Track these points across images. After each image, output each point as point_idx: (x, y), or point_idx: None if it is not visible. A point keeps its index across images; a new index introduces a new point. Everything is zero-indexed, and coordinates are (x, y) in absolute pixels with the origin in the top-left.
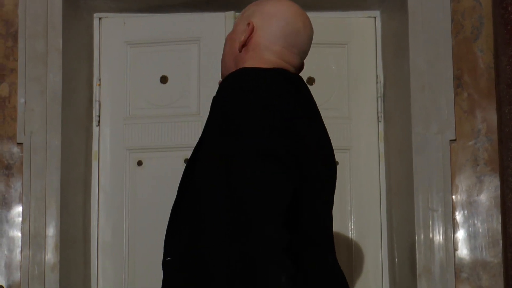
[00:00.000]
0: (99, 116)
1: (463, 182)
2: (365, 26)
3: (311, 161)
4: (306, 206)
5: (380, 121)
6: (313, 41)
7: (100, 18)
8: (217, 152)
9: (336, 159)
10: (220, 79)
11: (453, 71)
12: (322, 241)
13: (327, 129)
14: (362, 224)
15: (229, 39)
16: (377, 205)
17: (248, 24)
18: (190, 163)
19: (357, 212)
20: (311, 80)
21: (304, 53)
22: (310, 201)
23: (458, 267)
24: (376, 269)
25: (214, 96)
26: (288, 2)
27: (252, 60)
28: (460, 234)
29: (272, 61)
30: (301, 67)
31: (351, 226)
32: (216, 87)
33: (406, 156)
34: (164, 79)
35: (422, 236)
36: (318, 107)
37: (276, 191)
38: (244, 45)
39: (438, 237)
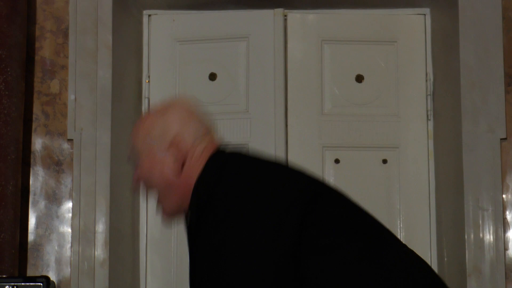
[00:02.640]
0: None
1: None
2: (415, 23)
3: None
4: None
5: (429, 119)
6: (362, 39)
7: (149, 15)
8: None
9: (385, 157)
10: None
11: (503, 68)
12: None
13: (376, 126)
14: (410, 223)
15: (147, 165)
16: (426, 203)
17: (171, 143)
18: None
19: (406, 210)
20: (360, 78)
21: None
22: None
23: (508, 267)
24: None
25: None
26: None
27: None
28: (511, 234)
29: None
30: None
31: (400, 225)
32: (265, 84)
33: (455, 155)
34: (213, 76)
35: (472, 236)
36: (367, 105)
37: None
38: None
39: (488, 237)
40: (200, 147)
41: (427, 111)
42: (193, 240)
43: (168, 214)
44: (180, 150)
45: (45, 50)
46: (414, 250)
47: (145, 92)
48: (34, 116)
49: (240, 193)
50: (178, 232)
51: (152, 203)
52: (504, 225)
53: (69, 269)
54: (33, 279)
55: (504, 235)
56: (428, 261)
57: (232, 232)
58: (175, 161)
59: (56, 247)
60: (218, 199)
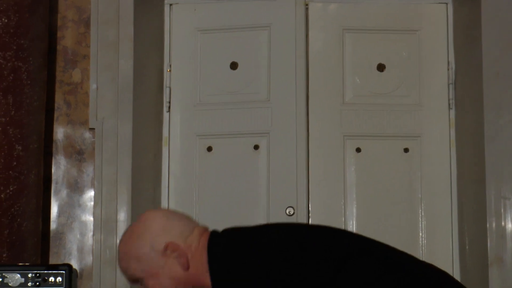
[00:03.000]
0: (169, 102)
1: None
2: (437, 12)
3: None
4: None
5: (451, 108)
6: (384, 28)
7: (171, 5)
8: None
9: (406, 146)
10: None
11: None
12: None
13: (397, 115)
14: (432, 212)
15: (153, 275)
16: (448, 192)
17: (166, 248)
18: None
19: (428, 199)
20: (381, 67)
21: None
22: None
23: None
24: (447, 257)
25: None
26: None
27: (204, 259)
28: None
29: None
30: None
31: (422, 213)
32: (286, 73)
33: (478, 144)
34: (234, 66)
35: (493, 224)
36: (388, 94)
37: None
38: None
39: (510, 225)
40: (194, 242)
41: (448, 100)
42: None
43: None
44: (178, 252)
45: (67, 39)
46: (436, 239)
47: (166, 82)
48: (56, 105)
49: (253, 263)
50: (199, 222)
51: (173, 191)
52: None
53: (91, 258)
54: (56, 267)
55: None
56: (449, 250)
57: None
58: (178, 257)
59: (78, 236)
60: (237, 276)
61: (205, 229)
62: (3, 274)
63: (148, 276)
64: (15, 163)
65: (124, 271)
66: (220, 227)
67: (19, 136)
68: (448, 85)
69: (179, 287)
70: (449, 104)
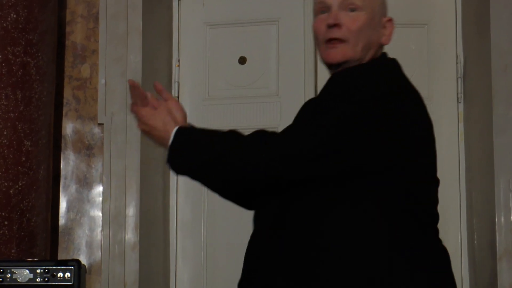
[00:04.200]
0: (178, 97)
1: None
2: (446, 5)
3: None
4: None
5: (460, 102)
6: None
7: None
8: None
9: None
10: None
11: None
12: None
13: None
14: (441, 205)
15: (370, 19)
16: (457, 186)
17: (389, 19)
18: None
19: None
20: None
21: None
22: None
23: None
24: (455, 251)
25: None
26: None
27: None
28: None
29: None
30: None
31: None
32: (294, 67)
33: (486, 137)
34: (243, 60)
35: (502, 218)
36: None
37: None
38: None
39: None
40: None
41: (457, 93)
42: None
43: (345, 55)
44: (391, 30)
45: (76, 34)
46: (445, 233)
47: (175, 76)
48: (65, 100)
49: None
50: (209, 216)
51: (182, 185)
52: None
53: (100, 253)
54: (65, 262)
55: None
56: (458, 244)
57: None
58: (390, 33)
59: (87, 231)
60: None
61: None
62: (12, 269)
63: (369, 11)
64: (24, 159)
65: None
66: (230, 220)
67: (28, 131)
68: (457, 78)
69: (364, 46)
70: (457, 98)
